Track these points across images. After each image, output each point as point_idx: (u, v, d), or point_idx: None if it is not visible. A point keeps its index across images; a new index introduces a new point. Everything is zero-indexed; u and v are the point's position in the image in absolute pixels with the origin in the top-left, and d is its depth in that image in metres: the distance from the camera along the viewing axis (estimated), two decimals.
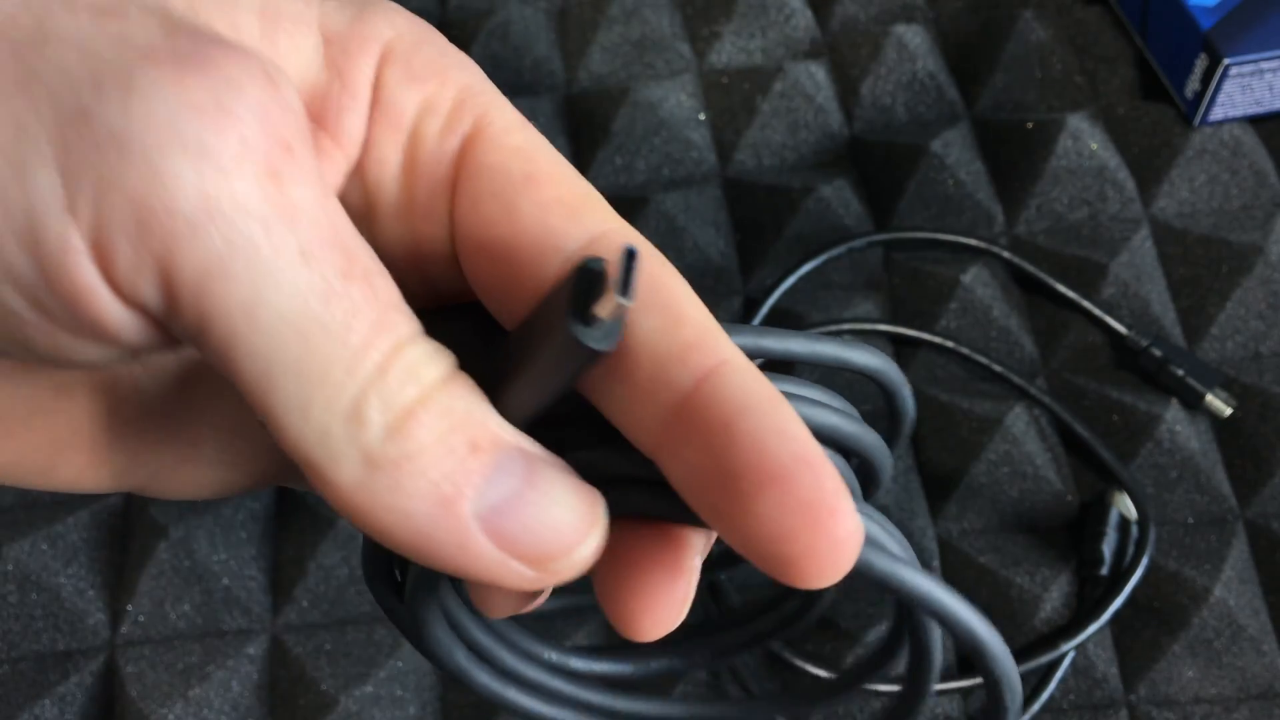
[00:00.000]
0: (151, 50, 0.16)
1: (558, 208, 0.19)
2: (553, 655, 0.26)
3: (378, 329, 0.17)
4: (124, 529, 0.46)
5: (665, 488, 0.19)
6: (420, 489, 0.17)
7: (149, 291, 0.16)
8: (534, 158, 0.20)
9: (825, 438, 0.21)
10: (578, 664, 0.27)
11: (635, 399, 0.18)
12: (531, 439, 0.18)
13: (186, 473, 0.23)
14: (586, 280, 0.17)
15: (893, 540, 0.21)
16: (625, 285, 0.16)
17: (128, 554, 0.45)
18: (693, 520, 0.19)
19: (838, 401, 0.22)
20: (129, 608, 0.44)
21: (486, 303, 0.20)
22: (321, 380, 0.16)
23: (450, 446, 0.17)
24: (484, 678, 0.24)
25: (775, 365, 0.46)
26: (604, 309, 0.17)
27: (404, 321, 0.17)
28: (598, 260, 0.17)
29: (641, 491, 0.20)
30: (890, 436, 0.26)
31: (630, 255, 0.16)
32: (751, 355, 0.19)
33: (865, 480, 0.23)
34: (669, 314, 0.18)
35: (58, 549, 0.45)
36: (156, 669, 0.43)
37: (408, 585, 0.22)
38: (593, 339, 0.17)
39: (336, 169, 0.20)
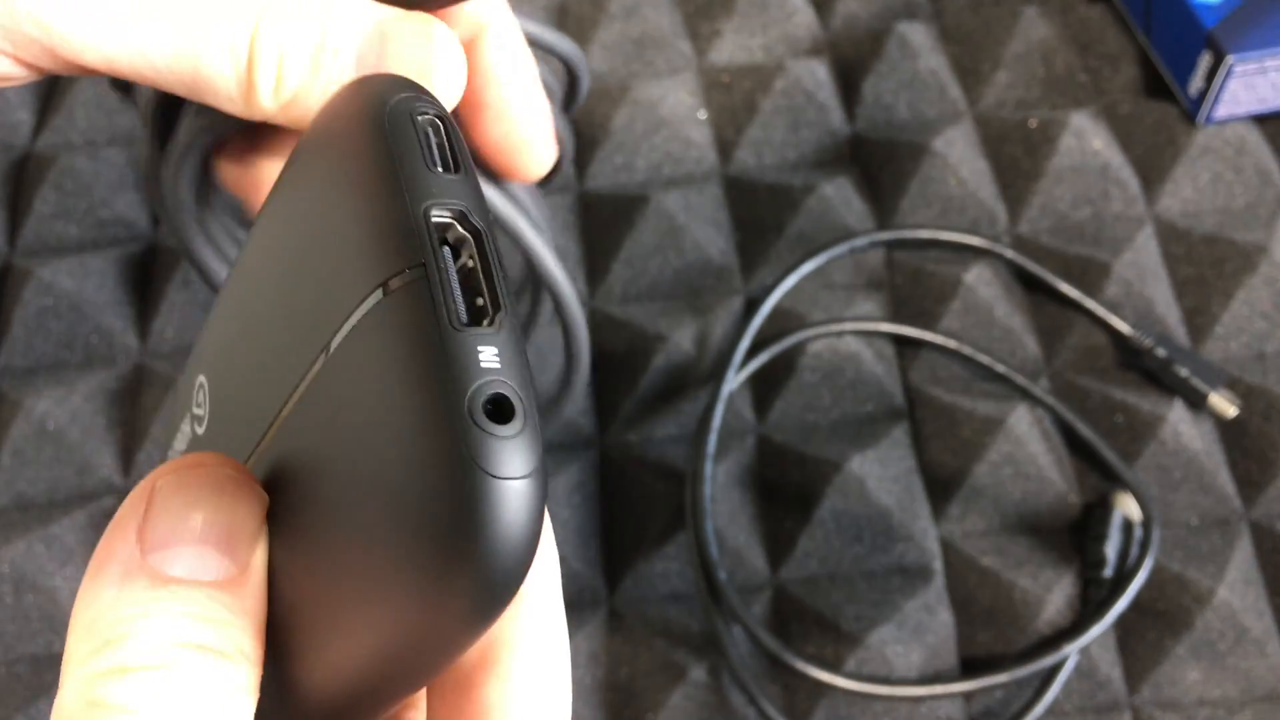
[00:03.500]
0: None
1: None
2: None
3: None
4: None
5: None
6: (311, 93, 0.23)
7: None
8: None
9: (534, 42, 0.30)
10: None
11: None
12: None
13: None
14: None
15: (531, 201, 0.31)
16: None
17: None
18: None
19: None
20: None
21: None
22: None
23: (314, 67, 0.23)
24: (194, 234, 0.29)
25: None
26: None
27: None
28: None
29: None
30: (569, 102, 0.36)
31: None
32: None
33: (570, 86, 0.34)
34: None
35: (53, 551, 0.45)
36: None
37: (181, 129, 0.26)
38: None
39: None
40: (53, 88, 0.58)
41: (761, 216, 0.52)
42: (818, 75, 0.56)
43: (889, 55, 0.56)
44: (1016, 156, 0.53)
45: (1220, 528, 0.45)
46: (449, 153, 0.17)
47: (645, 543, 0.45)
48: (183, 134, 0.27)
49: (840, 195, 0.52)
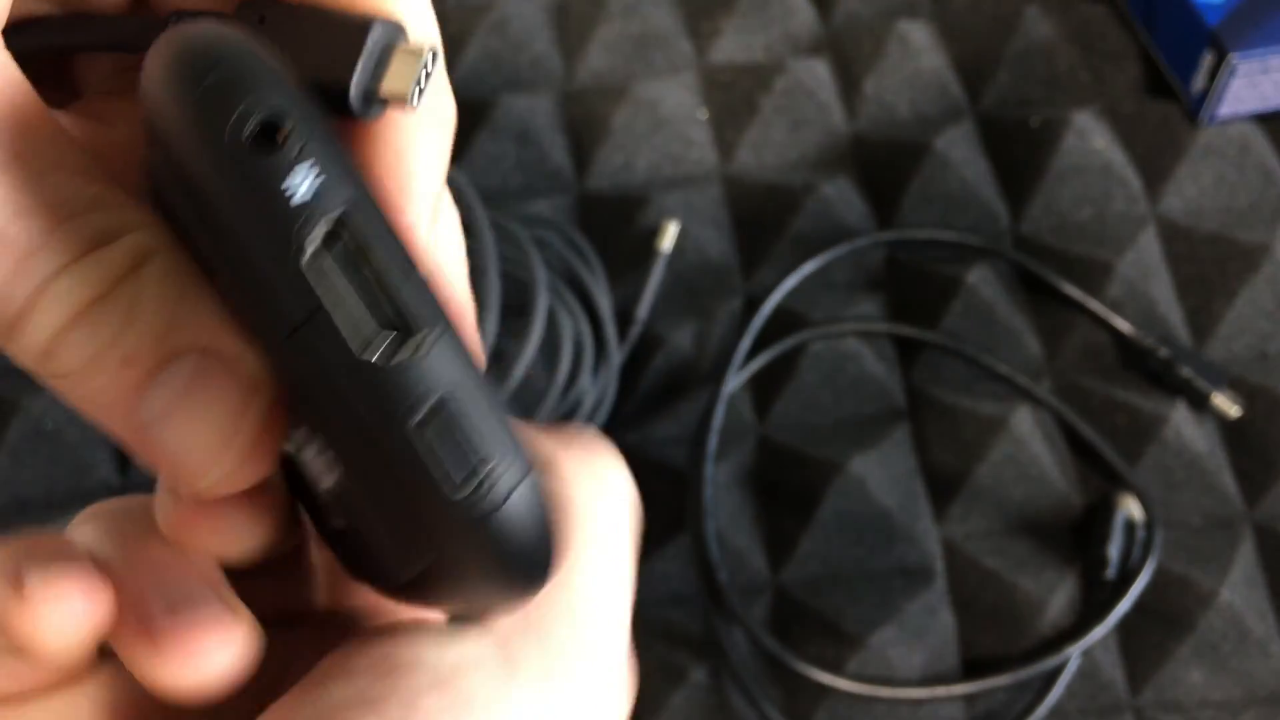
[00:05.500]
0: None
1: None
2: None
3: (14, 278, 0.17)
4: None
5: None
6: (82, 399, 0.17)
7: None
8: None
9: None
10: None
11: None
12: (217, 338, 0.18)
13: None
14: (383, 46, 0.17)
15: None
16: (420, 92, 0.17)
17: None
18: None
19: None
20: None
21: None
22: None
23: (101, 364, 0.17)
24: None
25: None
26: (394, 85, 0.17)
27: (52, 253, 0.17)
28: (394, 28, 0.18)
29: None
30: None
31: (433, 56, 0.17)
32: None
33: None
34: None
35: None
36: None
37: None
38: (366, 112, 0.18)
39: None
40: None
41: (762, 217, 0.52)
42: (819, 74, 0.55)
43: (890, 54, 0.56)
44: (1018, 156, 0.53)
45: (1223, 529, 0.45)
46: None
47: (645, 544, 0.45)
48: None
49: (841, 195, 0.52)
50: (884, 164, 0.53)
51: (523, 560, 0.16)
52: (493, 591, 0.18)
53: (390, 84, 0.17)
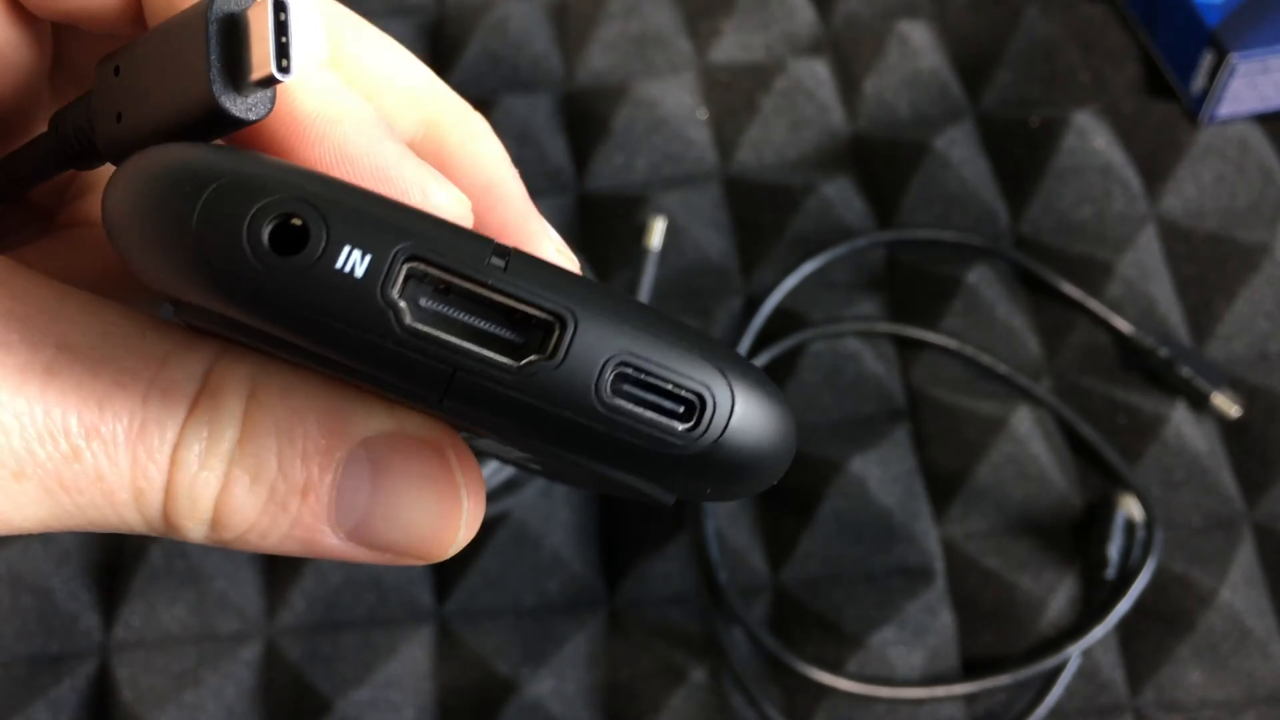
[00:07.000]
0: None
1: None
2: None
3: (141, 463, 0.15)
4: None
5: None
6: (275, 544, 0.16)
7: None
8: None
9: None
10: None
11: None
12: (367, 427, 0.16)
13: None
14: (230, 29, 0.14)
15: None
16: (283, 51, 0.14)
17: (121, 556, 0.45)
18: None
19: None
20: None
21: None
22: (120, 512, 0.15)
23: (279, 508, 0.15)
24: None
25: None
26: (257, 72, 0.14)
27: (158, 423, 0.15)
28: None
29: None
30: None
31: (279, 6, 0.14)
32: None
33: None
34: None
35: (50, 551, 0.44)
36: (150, 673, 0.43)
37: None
38: (239, 107, 0.14)
39: None
40: None
41: (762, 217, 0.52)
42: (818, 74, 0.55)
43: (890, 54, 0.56)
44: (1018, 156, 0.53)
45: (1223, 529, 0.45)
46: None
47: (645, 544, 0.45)
48: None
49: (841, 195, 0.52)
50: (884, 164, 0.53)
51: (763, 467, 0.15)
52: (733, 496, 0.16)
53: (255, 57, 0.14)
